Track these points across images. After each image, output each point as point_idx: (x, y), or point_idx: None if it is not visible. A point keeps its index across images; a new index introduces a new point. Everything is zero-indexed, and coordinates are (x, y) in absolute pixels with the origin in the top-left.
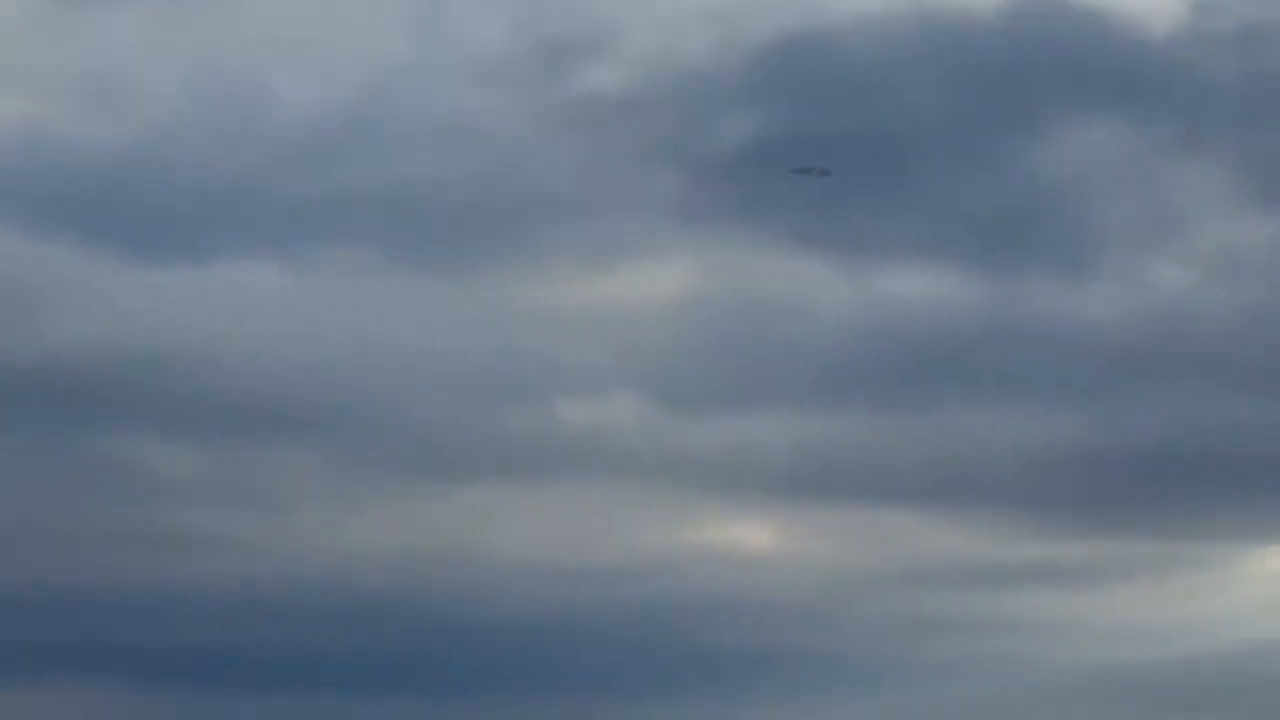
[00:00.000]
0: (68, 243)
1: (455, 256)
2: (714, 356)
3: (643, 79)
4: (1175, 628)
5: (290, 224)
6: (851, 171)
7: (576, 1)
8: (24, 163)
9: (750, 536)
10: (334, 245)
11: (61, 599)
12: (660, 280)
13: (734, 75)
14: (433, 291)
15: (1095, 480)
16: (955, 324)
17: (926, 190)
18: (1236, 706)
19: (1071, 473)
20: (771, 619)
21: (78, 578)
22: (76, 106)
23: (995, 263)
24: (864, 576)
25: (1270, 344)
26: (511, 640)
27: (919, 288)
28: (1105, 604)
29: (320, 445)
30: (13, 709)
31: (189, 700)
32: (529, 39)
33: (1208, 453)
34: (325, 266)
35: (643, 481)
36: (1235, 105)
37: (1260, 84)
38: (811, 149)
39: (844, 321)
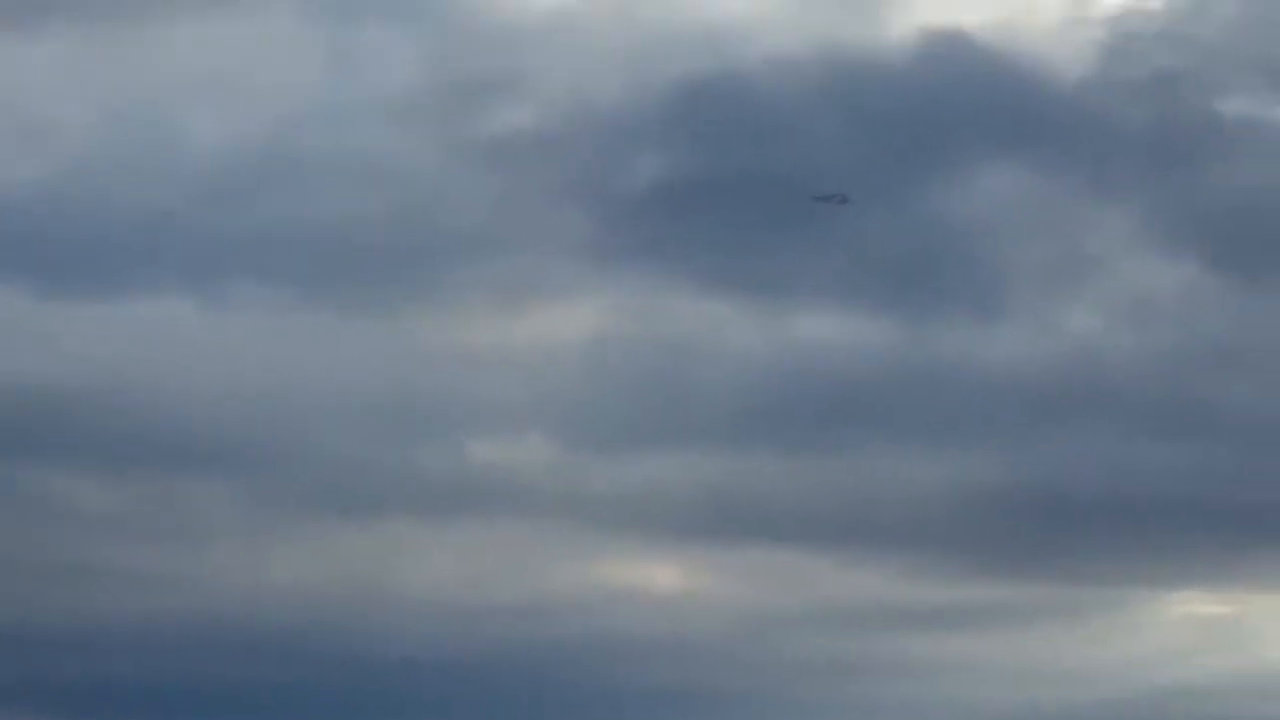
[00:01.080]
0: None
1: (368, 294)
2: (625, 396)
3: (555, 119)
4: (1086, 672)
5: (204, 260)
6: (762, 214)
7: (490, 41)
8: None
9: (660, 577)
10: (248, 282)
11: None
12: (572, 320)
13: (646, 117)
14: (345, 329)
15: (1006, 524)
16: (865, 366)
17: (836, 233)
18: None
19: (983, 516)
20: (681, 659)
21: None
22: None
23: (905, 306)
24: (775, 618)
25: (1180, 389)
26: (422, 677)
27: (829, 330)
28: (1016, 648)
29: (233, 481)
30: None
31: None
32: (443, 78)
33: (1119, 497)
34: (239, 303)
35: (553, 520)
36: (1146, 151)
37: (1171, 131)
38: (721, 191)
39: (754, 363)
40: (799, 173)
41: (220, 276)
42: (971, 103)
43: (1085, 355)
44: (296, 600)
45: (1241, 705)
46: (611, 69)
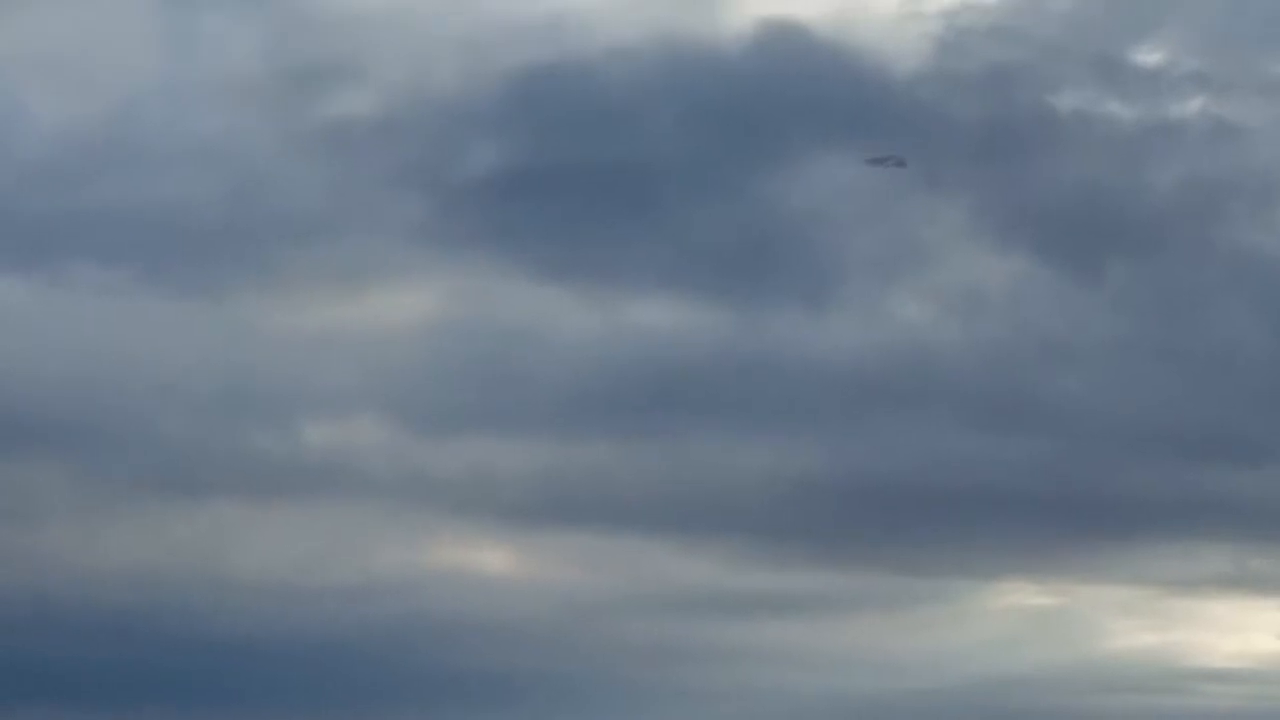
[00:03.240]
0: None
1: (204, 276)
2: (459, 381)
3: (393, 105)
4: (909, 661)
5: (41, 241)
6: (597, 202)
7: (328, 27)
8: None
9: (491, 559)
10: (85, 263)
11: None
12: (407, 304)
13: (483, 104)
14: (182, 311)
15: (833, 512)
16: (698, 354)
17: (671, 221)
18: None
19: (809, 504)
20: (511, 641)
21: None
22: None
23: (737, 294)
24: (604, 602)
25: (1008, 380)
26: (254, 657)
27: (662, 317)
28: (840, 635)
29: (67, 461)
30: None
31: None
32: (280, 62)
33: (944, 487)
34: (74, 284)
35: (387, 502)
36: (977, 144)
37: (1003, 124)
38: (558, 179)
39: (588, 349)
40: (635, 162)
41: (57, 257)
42: (806, 94)
43: (915, 346)
44: (130, 581)
45: (1067, 695)
46: (450, 56)
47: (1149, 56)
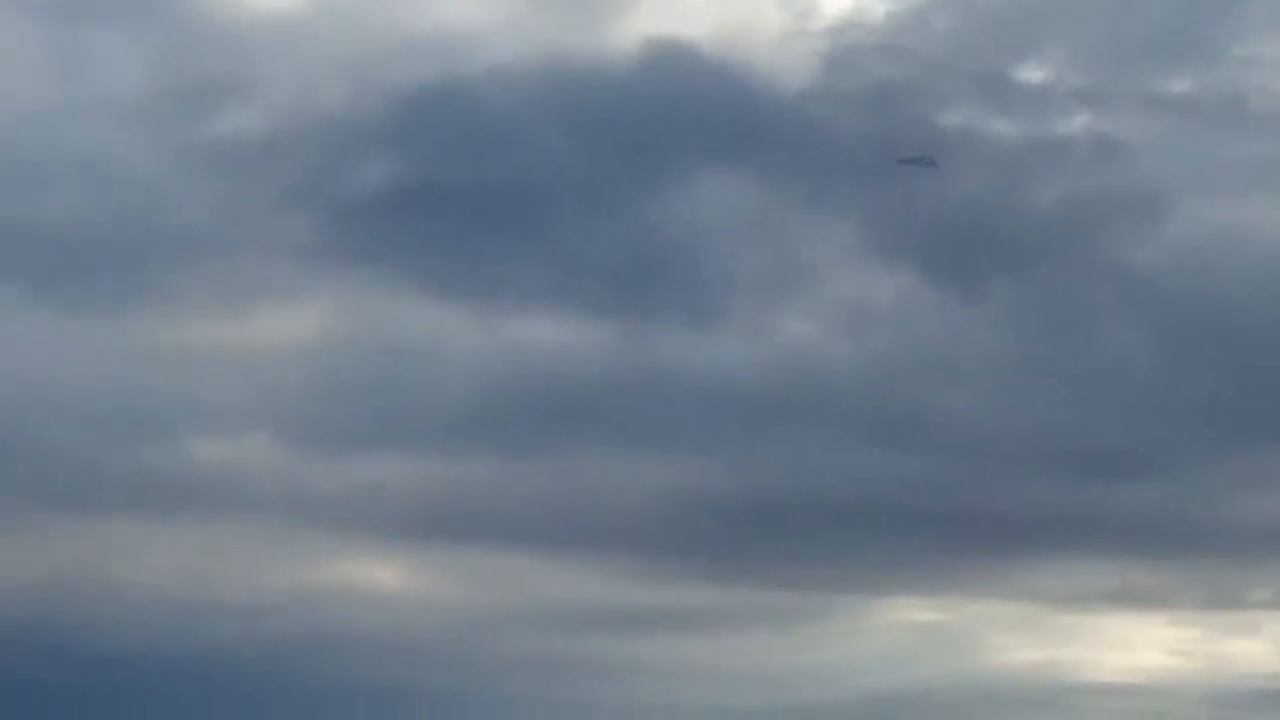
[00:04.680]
0: None
1: (94, 294)
2: (348, 398)
3: (281, 124)
4: (799, 675)
5: None
6: (485, 220)
7: (217, 45)
8: None
9: (380, 575)
10: None
11: None
12: (295, 322)
13: (371, 122)
14: (71, 327)
15: (721, 528)
16: (585, 371)
17: (559, 239)
18: None
19: (698, 520)
20: (400, 656)
21: None
22: None
23: (625, 311)
24: (491, 617)
25: (894, 396)
26: (146, 673)
27: (550, 334)
28: (730, 650)
29: None
30: None
31: None
32: (170, 81)
33: (832, 503)
34: None
35: (276, 519)
36: (864, 162)
37: (889, 141)
38: (446, 197)
39: (475, 366)
40: (522, 180)
41: None
42: (693, 112)
43: (802, 363)
44: (19, 595)
45: (954, 710)
46: (338, 75)
47: (1033, 74)
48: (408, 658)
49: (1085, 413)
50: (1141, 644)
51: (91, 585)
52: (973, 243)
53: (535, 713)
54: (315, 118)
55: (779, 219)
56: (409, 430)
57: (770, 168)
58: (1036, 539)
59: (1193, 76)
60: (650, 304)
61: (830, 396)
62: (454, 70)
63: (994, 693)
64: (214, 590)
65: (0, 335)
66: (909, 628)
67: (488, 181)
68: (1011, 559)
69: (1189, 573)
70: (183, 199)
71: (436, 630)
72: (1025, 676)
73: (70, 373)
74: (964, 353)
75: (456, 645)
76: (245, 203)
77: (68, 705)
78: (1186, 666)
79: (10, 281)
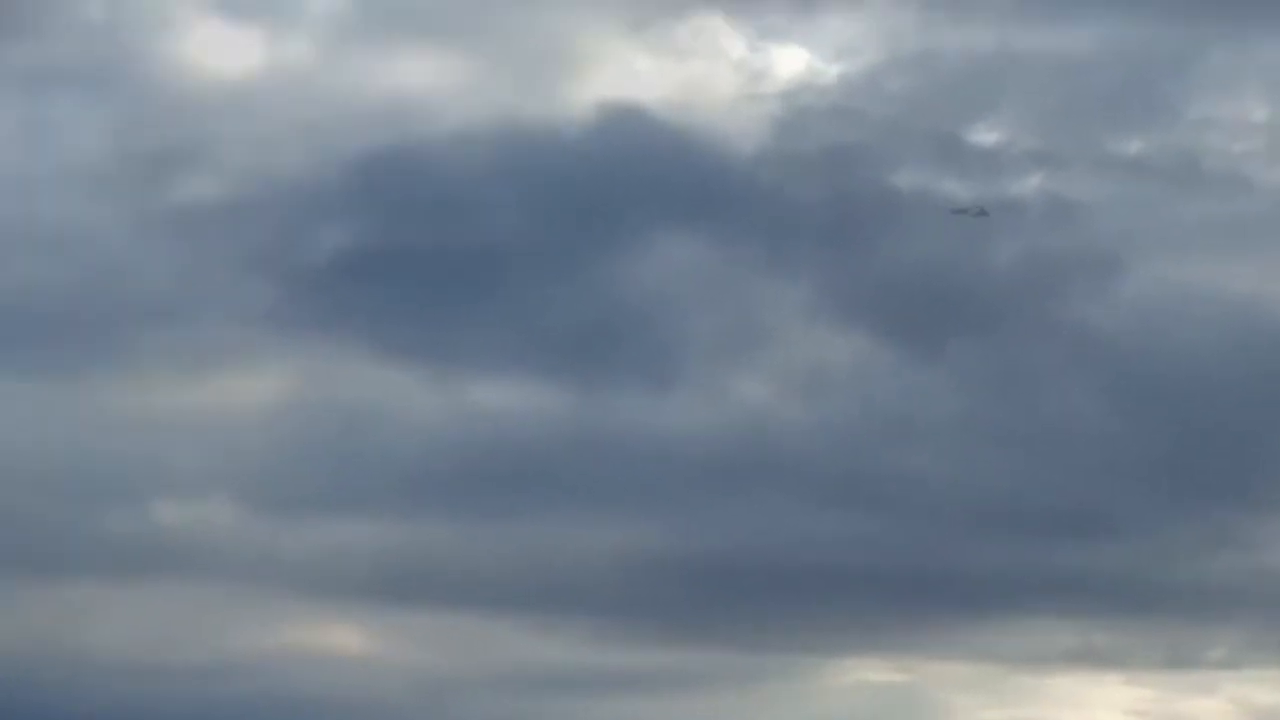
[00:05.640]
0: None
1: (55, 359)
2: (308, 462)
3: (239, 190)
4: None
5: None
6: (442, 284)
7: (176, 112)
8: None
9: (341, 639)
10: None
11: None
12: (255, 387)
13: (328, 188)
14: (33, 393)
15: (679, 590)
16: (543, 434)
17: (515, 303)
18: None
19: (657, 582)
20: (362, 718)
21: None
22: None
23: (582, 375)
24: (452, 681)
25: (852, 458)
26: None
27: (507, 398)
28: (688, 713)
29: None
30: None
31: None
32: (128, 148)
33: (790, 565)
34: None
35: (237, 583)
36: (817, 225)
37: (842, 204)
38: (404, 261)
39: (433, 430)
40: (479, 244)
41: None
42: (647, 176)
43: (759, 425)
44: None
45: None
46: (295, 141)
47: (986, 135)
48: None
49: (1042, 473)
50: (1099, 704)
51: (54, 649)
52: (928, 304)
53: None
54: (273, 184)
55: (734, 282)
56: (369, 494)
57: (725, 231)
58: (995, 599)
59: (1146, 138)
60: (607, 368)
61: (787, 458)
62: (410, 135)
63: None
64: (177, 653)
65: None
66: (868, 688)
67: (445, 246)
68: (970, 619)
69: (1146, 633)
70: (143, 266)
71: (398, 692)
72: None
73: (30, 438)
74: (921, 414)
75: (417, 707)
76: (205, 269)
77: None
78: None
79: None
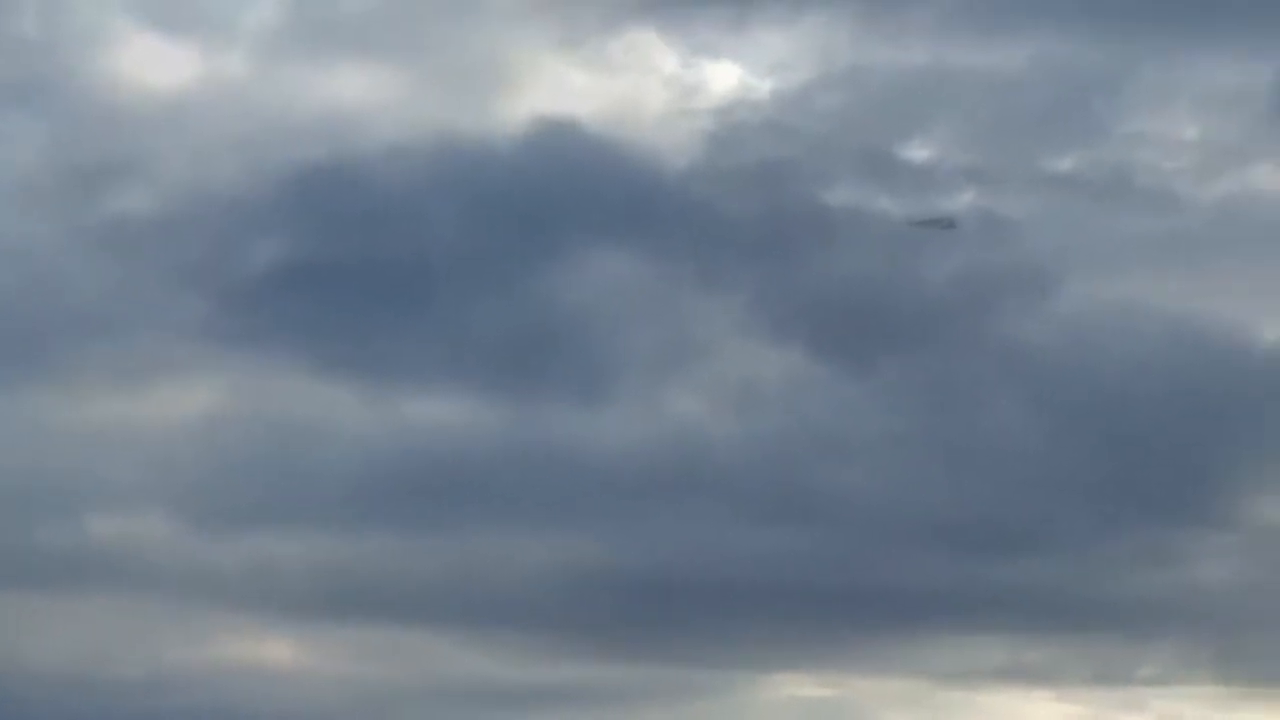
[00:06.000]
0: None
1: None
2: (241, 476)
3: (173, 203)
4: None
5: None
6: (376, 298)
7: (109, 125)
8: None
9: (276, 653)
10: None
11: None
12: (189, 400)
13: (262, 202)
14: None
15: (611, 605)
16: (476, 448)
17: (448, 317)
18: None
19: (588, 597)
20: None
21: None
22: None
23: (515, 389)
24: (387, 695)
25: (783, 473)
26: None
27: (440, 412)
28: None
29: None
30: None
31: None
32: (61, 161)
33: (721, 580)
34: None
35: (171, 596)
36: (750, 240)
37: (775, 219)
38: (337, 275)
39: (367, 443)
40: (412, 258)
41: None
42: (580, 190)
43: (691, 440)
44: None
45: None
46: (229, 154)
47: (918, 152)
48: None
49: (973, 489)
50: None
51: None
52: (860, 320)
53: None
54: (208, 197)
55: (667, 296)
56: (304, 508)
57: (658, 245)
58: (925, 615)
59: (1078, 154)
60: (539, 382)
61: (719, 473)
62: (343, 149)
63: None
64: (112, 667)
65: None
66: (798, 703)
67: (378, 260)
68: (900, 635)
69: (1076, 649)
70: (76, 279)
71: (332, 707)
72: None
73: None
74: (852, 430)
75: None
76: (139, 283)
77: None
78: None
79: None
